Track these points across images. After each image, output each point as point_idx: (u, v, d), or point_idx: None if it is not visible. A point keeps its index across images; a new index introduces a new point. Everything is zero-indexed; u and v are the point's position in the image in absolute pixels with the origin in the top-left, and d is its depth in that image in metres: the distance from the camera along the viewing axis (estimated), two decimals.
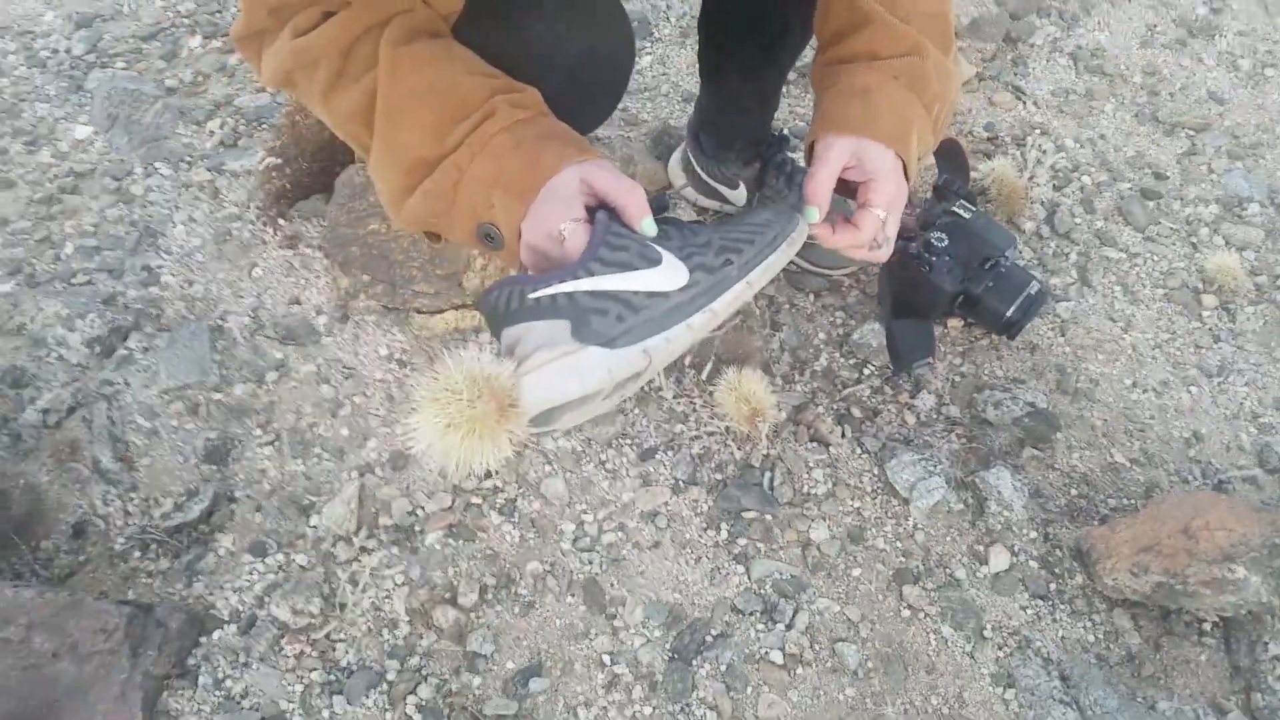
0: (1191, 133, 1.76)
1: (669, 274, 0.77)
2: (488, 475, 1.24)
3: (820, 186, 0.89)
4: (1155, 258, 1.55)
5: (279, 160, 1.52)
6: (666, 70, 1.83)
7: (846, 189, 0.93)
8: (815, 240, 0.90)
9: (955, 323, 1.43)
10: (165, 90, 1.75)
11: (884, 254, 0.92)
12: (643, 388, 1.33)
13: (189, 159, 1.63)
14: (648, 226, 0.79)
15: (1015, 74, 1.84)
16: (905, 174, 0.92)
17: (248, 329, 1.39)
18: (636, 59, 1.84)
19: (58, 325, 1.37)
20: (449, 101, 0.80)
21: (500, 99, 0.80)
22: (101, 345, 1.36)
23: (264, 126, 1.68)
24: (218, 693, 1.07)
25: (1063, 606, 1.15)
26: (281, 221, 1.52)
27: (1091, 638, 1.13)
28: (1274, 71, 1.90)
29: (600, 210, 0.79)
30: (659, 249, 0.78)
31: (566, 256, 0.77)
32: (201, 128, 1.68)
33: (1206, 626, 1.13)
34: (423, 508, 1.22)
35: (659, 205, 0.82)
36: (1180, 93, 1.84)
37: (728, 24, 1.25)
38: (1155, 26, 1.98)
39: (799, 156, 1.51)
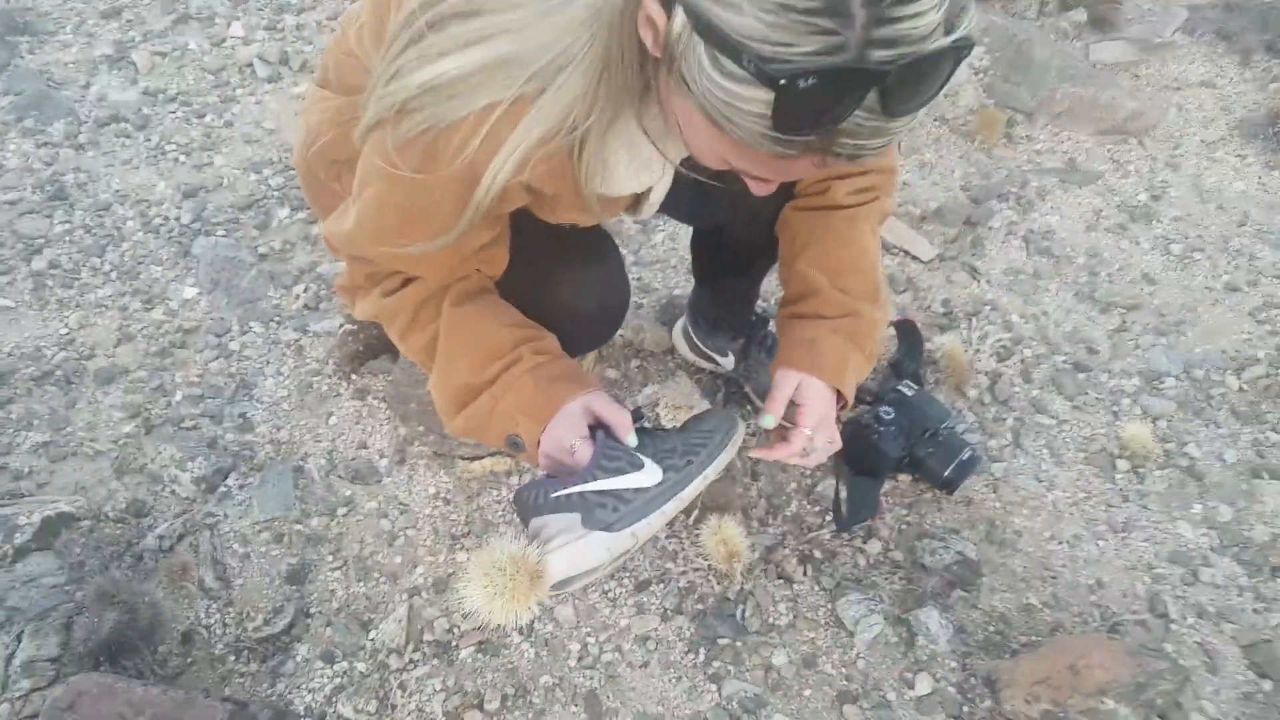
0: (1124, 311, 2.06)
1: (649, 474, 1.08)
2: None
3: (776, 405, 1.24)
4: (1081, 425, 1.84)
5: (354, 327, 1.86)
6: (676, 245, 2.17)
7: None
8: (759, 456, 1.24)
9: (905, 477, 1.71)
10: (259, 257, 2.12)
11: (813, 460, 1.24)
12: None
13: (278, 319, 1.97)
14: (632, 439, 1.11)
15: (973, 254, 2.16)
16: (842, 396, 1.27)
17: (323, 469, 1.71)
18: (650, 235, 2.19)
19: (172, 466, 1.70)
20: (486, 347, 1.14)
21: (525, 347, 1.13)
22: (206, 483, 1.68)
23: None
24: None
25: None
26: (354, 377, 1.85)
27: None
28: (1201, 255, 2.20)
29: (600, 429, 1.11)
30: (641, 457, 1.09)
31: (576, 464, 1.09)
32: (289, 291, 2.04)
33: None
34: (459, 626, 1.51)
35: (635, 416, 1.14)
36: (1117, 273, 2.15)
37: (713, 247, 1.60)
38: (1101, 211, 2.29)
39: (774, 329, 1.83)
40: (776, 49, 0.69)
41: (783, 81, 0.69)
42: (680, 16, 0.75)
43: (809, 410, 1.22)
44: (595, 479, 1.06)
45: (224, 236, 2.16)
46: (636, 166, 1.05)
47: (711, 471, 1.12)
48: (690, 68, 0.77)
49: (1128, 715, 1.35)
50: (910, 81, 0.72)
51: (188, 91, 2.55)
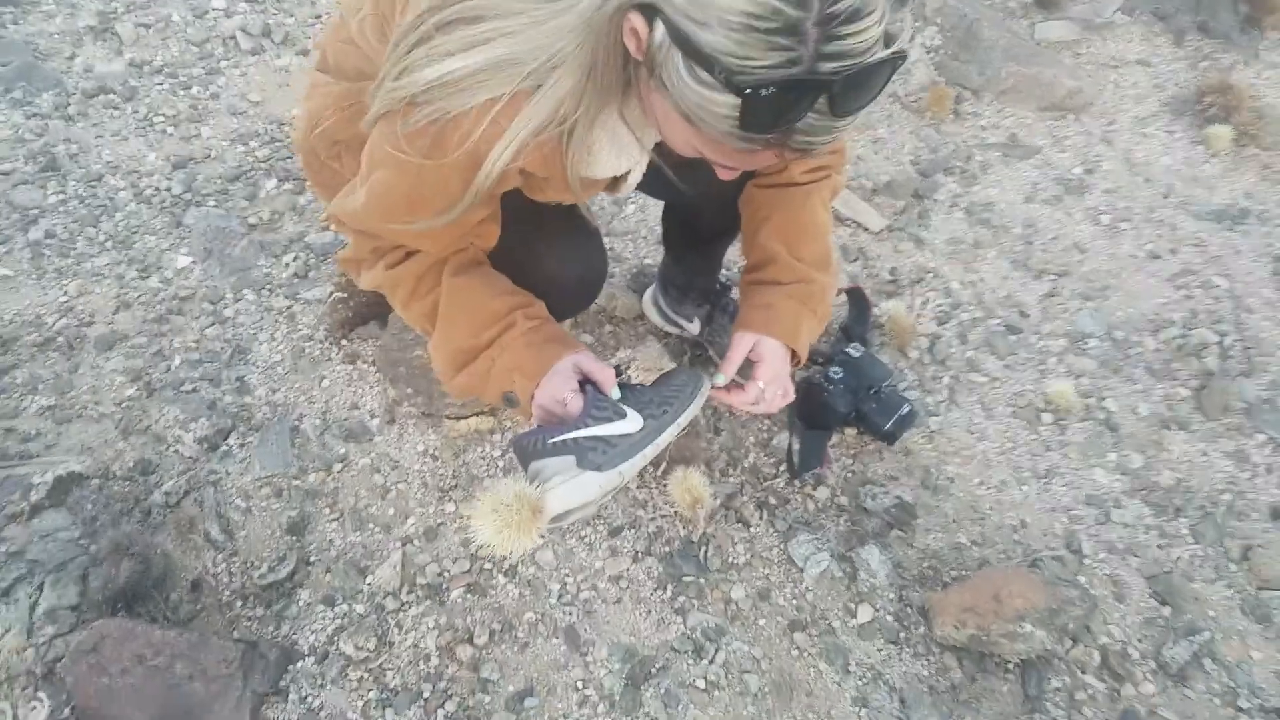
0: (1054, 277, 2.24)
1: (631, 422, 1.25)
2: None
3: (731, 363, 1.41)
4: (1010, 382, 2.02)
5: (344, 295, 1.98)
6: (646, 217, 2.31)
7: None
8: (718, 401, 1.40)
9: (851, 431, 1.89)
10: (249, 227, 2.22)
11: (763, 409, 1.41)
12: None
13: (270, 287, 2.09)
14: (615, 393, 1.27)
15: (919, 225, 2.32)
16: (796, 354, 1.44)
17: (318, 429, 1.85)
18: (622, 208, 2.32)
19: (176, 427, 1.83)
20: (483, 313, 1.28)
21: (518, 313, 1.28)
22: (208, 442, 1.81)
23: (330, 260, 2.15)
24: (302, 706, 1.50)
25: (908, 649, 1.60)
26: (344, 343, 1.98)
27: (926, 672, 1.57)
28: (1128, 225, 2.38)
29: (588, 384, 1.27)
30: (625, 407, 1.25)
31: (569, 414, 1.25)
32: (279, 260, 2.15)
33: (1010, 666, 1.58)
34: (449, 570, 1.66)
35: (617, 372, 1.30)
36: (1051, 242, 2.32)
37: (683, 222, 1.75)
38: (1038, 184, 2.46)
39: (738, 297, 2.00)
40: (742, 62, 0.83)
41: (748, 90, 0.84)
42: (660, 29, 0.89)
43: (764, 365, 1.39)
44: (587, 426, 1.22)
45: (214, 207, 2.27)
46: (617, 152, 1.19)
47: (684, 419, 1.29)
48: (669, 73, 0.91)
49: (1043, 637, 1.54)
50: (854, 88, 0.86)
51: (173, 63, 2.63)
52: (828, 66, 0.83)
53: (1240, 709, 1.56)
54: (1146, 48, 2.93)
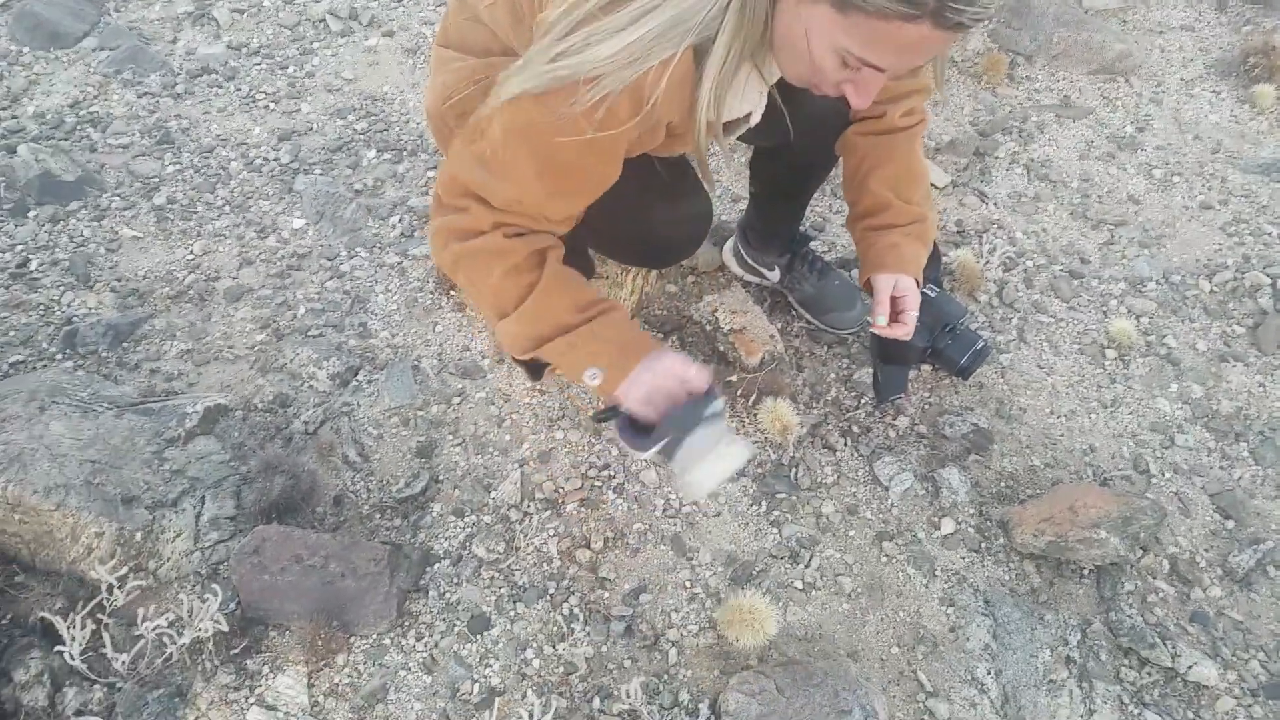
0: (1112, 227, 2.36)
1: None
2: (605, 466, 1.85)
3: (885, 307, 1.57)
4: (1075, 322, 2.15)
5: None
6: (719, 177, 2.46)
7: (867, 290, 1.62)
8: (879, 333, 1.60)
9: (927, 368, 2.03)
10: (355, 192, 2.40)
11: (910, 333, 1.58)
12: None
13: (380, 246, 2.26)
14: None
15: (981, 181, 2.46)
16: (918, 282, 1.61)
17: (436, 367, 2.02)
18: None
19: (310, 365, 2.00)
20: (582, 298, 1.33)
21: (610, 303, 1.35)
22: (340, 379, 1.99)
23: None
24: (441, 601, 1.66)
25: (989, 558, 1.74)
26: (452, 293, 2.15)
27: (1007, 577, 1.71)
28: (1179, 178, 2.50)
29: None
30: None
31: (694, 386, 1.31)
32: (385, 222, 2.32)
33: (1085, 572, 1.71)
34: (563, 487, 1.82)
35: None
36: (1107, 195, 2.45)
37: (772, 170, 1.89)
38: (1092, 142, 2.59)
39: (816, 246, 2.14)
40: None
41: None
42: None
43: (910, 299, 1.57)
44: (715, 398, 1.34)
45: (321, 175, 2.44)
46: (741, 96, 1.32)
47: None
48: None
49: (1116, 544, 1.68)
50: None
51: (269, 45, 2.81)
52: None
53: None
54: (1190, 14, 3.05)
